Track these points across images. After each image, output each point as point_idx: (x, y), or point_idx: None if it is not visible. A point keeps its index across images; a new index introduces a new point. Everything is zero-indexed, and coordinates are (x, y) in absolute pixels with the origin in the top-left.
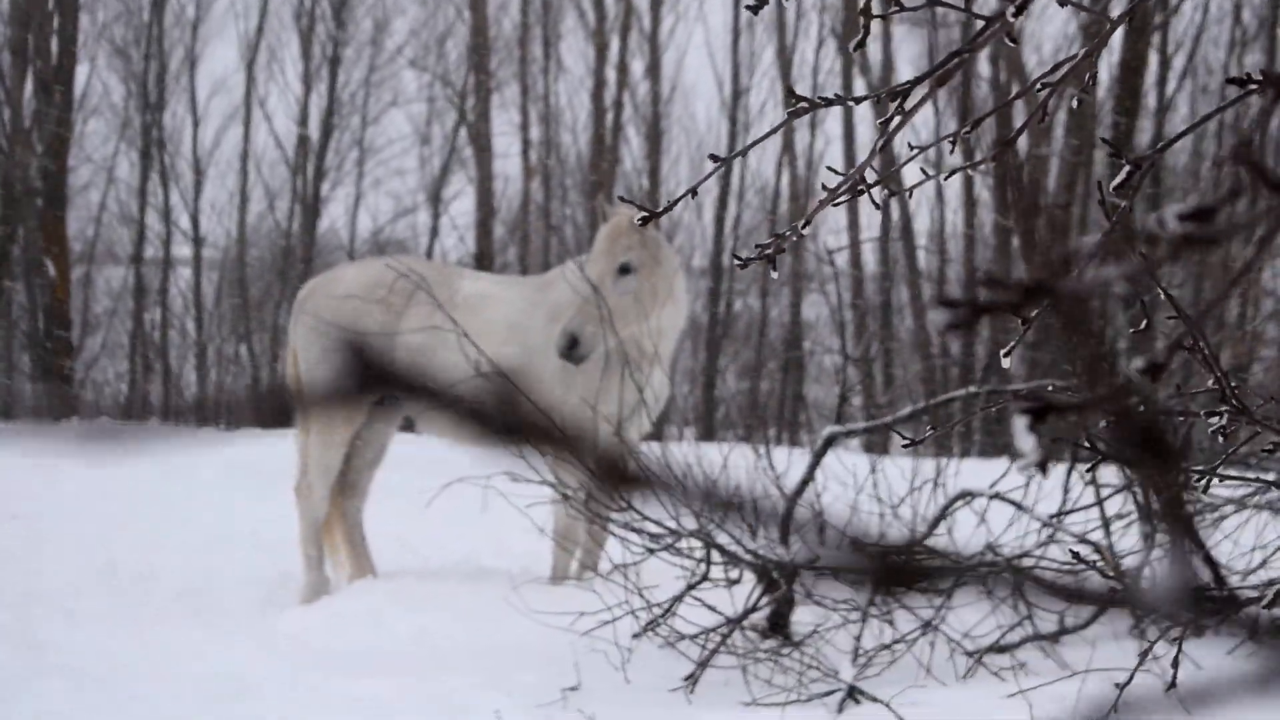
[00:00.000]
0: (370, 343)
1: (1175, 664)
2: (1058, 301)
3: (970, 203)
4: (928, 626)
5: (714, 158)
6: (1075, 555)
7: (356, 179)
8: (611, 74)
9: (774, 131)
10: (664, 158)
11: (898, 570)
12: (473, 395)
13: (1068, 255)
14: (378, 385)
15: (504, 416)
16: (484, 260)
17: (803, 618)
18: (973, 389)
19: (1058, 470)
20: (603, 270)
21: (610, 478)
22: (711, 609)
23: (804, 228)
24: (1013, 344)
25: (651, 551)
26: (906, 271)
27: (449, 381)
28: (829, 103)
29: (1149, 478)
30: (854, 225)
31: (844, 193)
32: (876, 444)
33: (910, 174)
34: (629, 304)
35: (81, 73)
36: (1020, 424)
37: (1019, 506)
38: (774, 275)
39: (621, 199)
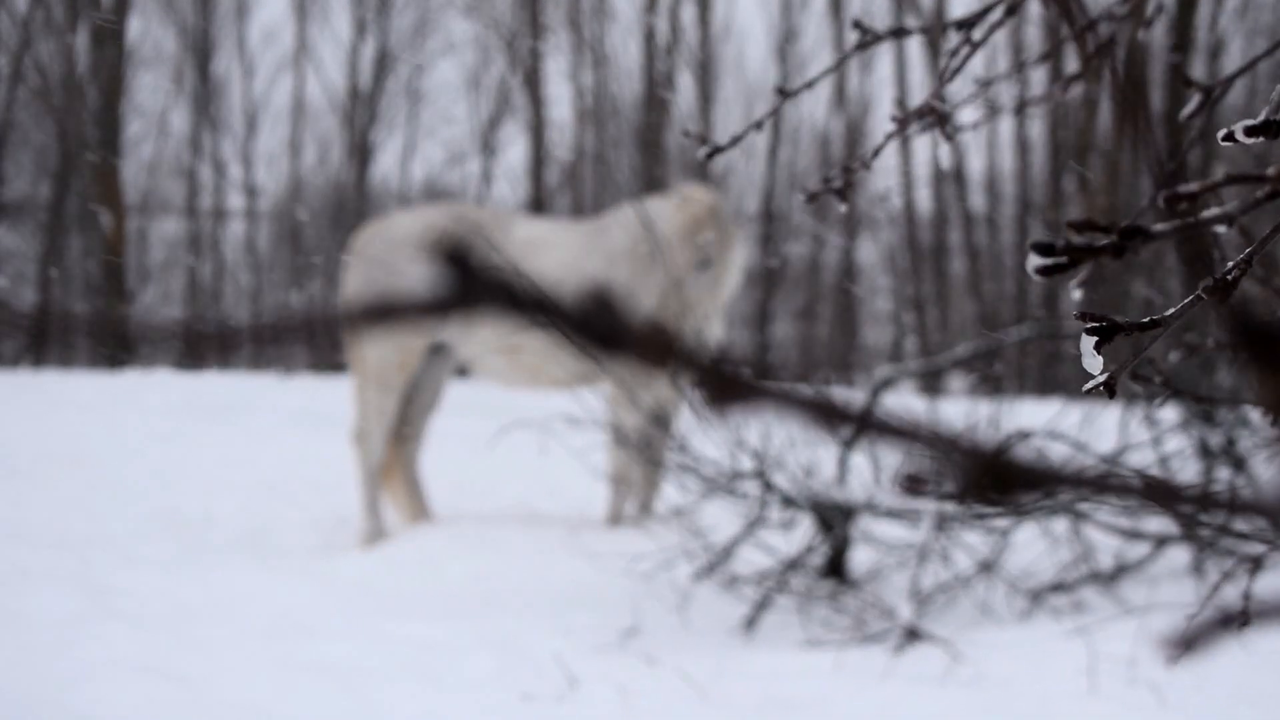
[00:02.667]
0: (476, 247)
1: (1247, 597)
2: (1178, 243)
3: (1022, 143)
4: (985, 566)
5: (780, 91)
6: (1147, 485)
7: (407, 128)
8: (663, 20)
9: (841, 63)
10: (716, 104)
11: (999, 472)
12: (578, 305)
13: (1179, 196)
14: (483, 296)
15: (613, 326)
16: (537, 207)
17: (860, 559)
18: (1026, 331)
19: (1113, 409)
20: (684, 264)
21: (718, 387)
22: (769, 551)
23: (874, 158)
24: (1082, 276)
25: (708, 493)
26: (959, 213)
27: (502, 339)
28: (897, 34)
29: (1264, 380)
30: (906, 168)
31: (913, 122)
32: (931, 386)
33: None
34: (703, 293)
35: (133, 24)
36: (1087, 345)
37: (1076, 445)
38: (842, 209)
39: (685, 133)
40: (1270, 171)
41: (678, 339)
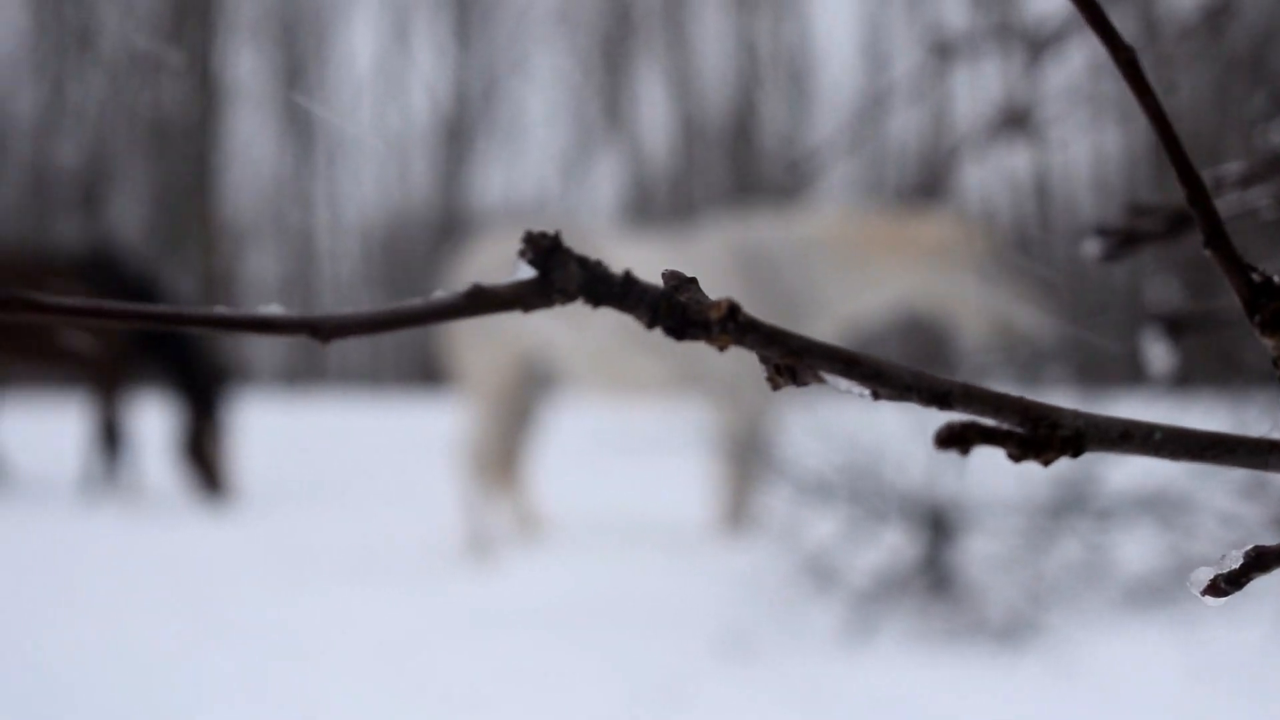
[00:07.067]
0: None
1: None
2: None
3: (1131, 151)
4: (1090, 564)
5: (875, 101)
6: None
7: (500, 151)
8: (755, 39)
9: (925, 89)
10: (807, 123)
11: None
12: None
13: (1217, 179)
14: (572, 288)
15: (687, 314)
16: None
17: (965, 559)
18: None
19: (1201, 402)
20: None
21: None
22: (872, 554)
23: (964, 153)
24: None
25: (809, 498)
26: (1040, 220)
27: (594, 344)
28: (978, 49)
29: None
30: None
31: (1000, 126)
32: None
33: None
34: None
35: (229, 57)
36: (1152, 333)
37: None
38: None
39: (787, 168)
40: None
41: (752, 323)
